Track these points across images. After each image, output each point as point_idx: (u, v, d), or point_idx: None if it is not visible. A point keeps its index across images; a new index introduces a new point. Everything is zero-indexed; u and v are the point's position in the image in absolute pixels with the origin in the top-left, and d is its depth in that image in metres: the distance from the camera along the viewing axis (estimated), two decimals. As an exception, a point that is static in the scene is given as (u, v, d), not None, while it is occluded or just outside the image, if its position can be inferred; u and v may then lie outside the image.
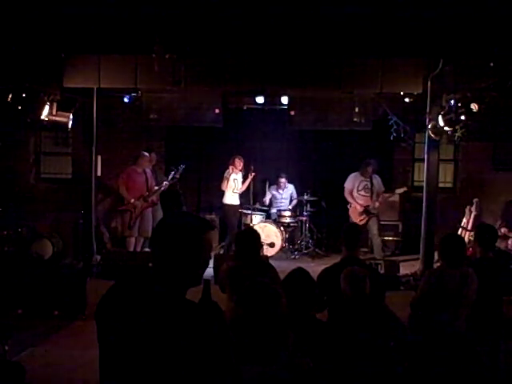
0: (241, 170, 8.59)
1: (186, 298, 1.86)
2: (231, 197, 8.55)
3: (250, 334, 2.26)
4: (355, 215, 8.29)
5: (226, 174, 8.56)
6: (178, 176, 8.17)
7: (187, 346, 1.73)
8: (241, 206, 8.78)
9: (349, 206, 8.40)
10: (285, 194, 9.42)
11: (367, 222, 8.24)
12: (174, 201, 8.50)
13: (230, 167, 8.54)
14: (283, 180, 9.28)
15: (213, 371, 1.74)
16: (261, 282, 2.49)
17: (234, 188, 8.53)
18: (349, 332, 3.39)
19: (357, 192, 8.35)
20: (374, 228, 8.24)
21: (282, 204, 9.36)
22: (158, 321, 1.77)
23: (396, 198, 8.91)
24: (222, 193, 8.90)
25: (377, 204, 8.24)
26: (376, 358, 3.34)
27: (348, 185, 8.41)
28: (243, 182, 8.65)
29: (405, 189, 8.31)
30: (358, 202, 8.30)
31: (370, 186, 8.31)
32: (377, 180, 8.39)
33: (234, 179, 8.54)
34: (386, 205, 8.84)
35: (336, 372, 2.98)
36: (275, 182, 9.37)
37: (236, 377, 1.82)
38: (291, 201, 9.44)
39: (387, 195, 8.44)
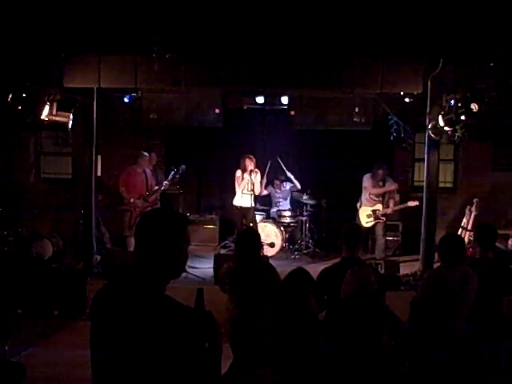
0: (251, 171, 8.16)
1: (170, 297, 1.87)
2: (240, 198, 8.30)
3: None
4: (362, 216, 8.25)
5: (237, 174, 8.30)
6: (178, 176, 8.15)
7: (172, 347, 1.75)
8: (252, 208, 8.31)
9: (358, 206, 8.35)
10: (283, 194, 9.43)
11: (374, 224, 8.18)
12: (167, 204, 8.53)
13: (240, 168, 8.26)
14: (278, 182, 9.33)
15: (193, 375, 1.76)
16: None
17: (243, 189, 8.25)
18: (348, 332, 3.39)
19: (368, 195, 8.27)
20: (379, 229, 8.20)
21: (281, 203, 9.37)
22: (142, 321, 1.79)
23: (396, 198, 8.88)
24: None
25: (389, 211, 8.16)
26: (376, 358, 3.34)
27: (367, 184, 8.21)
28: (261, 184, 8.42)
29: (417, 203, 8.00)
30: (366, 204, 8.24)
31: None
32: (390, 184, 8.29)
33: (250, 181, 8.16)
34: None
35: (335, 371, 2.98)
36: (273, 184, 9.37)
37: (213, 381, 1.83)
38: (291, 200, 9.42)
39: (399, 206, 8.31)
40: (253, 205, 8.28)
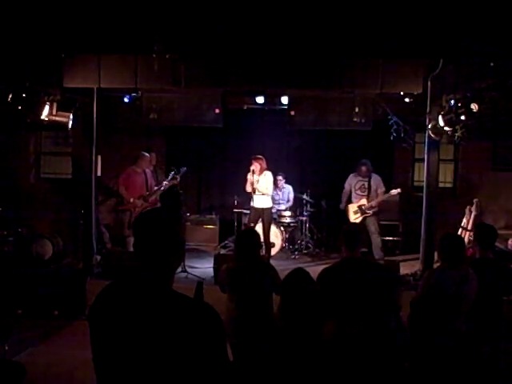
0: (254, 172, 7.99)
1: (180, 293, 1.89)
2: (253, 199, 8.11)
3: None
4: (350, 213, 8.36)
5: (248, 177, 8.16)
6: (178, 177, 8.14)
7: (180, 343, 1.75)
8: (266, 209, 8.16)
9: (342, 206, 8.49)
10: (282, 195, 9.41)
11: (364, 220, 8.21)
12: (174, 201, 8.46)
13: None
14: (280, 178, 9.25)
15: (206, 370, 1.77)
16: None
17: (251, 190, 8.04)
18: (348, 331, 3.39)
19: (354, 191, 8.41)
20: (372, 227, 8.20)
21: (281, 204, 9.35)
22: (151, 320, 1.79)
23: (396, 197, 8.88)
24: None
25: (374, 203, 8.20)
26: (376, 358, 3.34)
27: (346, 185, 8.54)
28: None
29: (399, 190, 8.20)
30: (351, 202, 8.38)
31: (366, 185, 8.32)
32: (375, 179, 8.36)
33: (252, 181, 8.00)
34: (386, 205, 8.81)
35: (335, 372, 2.97)
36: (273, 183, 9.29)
37: (229, 374, 1.84)
38: (289, 201, 9.42)
39: (383, 197, 8.34)
40: (267, 206, 8.14)
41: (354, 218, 8.28)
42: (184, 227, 2.06)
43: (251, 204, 8.18)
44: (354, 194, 8.42)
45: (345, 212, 8.49)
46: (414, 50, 6.38)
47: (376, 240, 8.20)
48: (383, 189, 8.37)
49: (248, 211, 8.63)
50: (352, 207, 8.39)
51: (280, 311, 2.40)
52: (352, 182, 8.46)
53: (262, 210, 8.09)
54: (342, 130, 8.23)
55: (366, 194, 8.32)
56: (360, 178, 8.38)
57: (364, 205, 8.26)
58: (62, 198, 9.51)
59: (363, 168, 8.28)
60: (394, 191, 8.22)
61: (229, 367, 1.85)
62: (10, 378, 3.87)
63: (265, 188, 8.09)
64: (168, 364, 1.75)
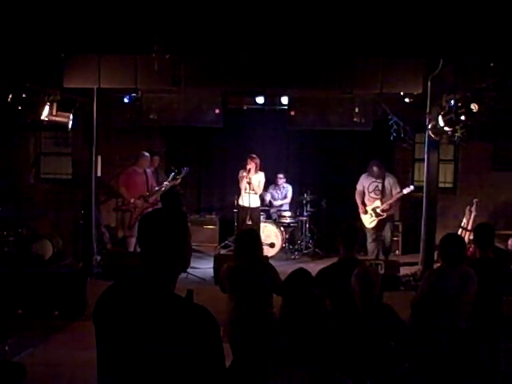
0: (249, 170, 8.16)
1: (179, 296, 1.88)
2: (242, 198, 8.28)
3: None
4: (365, 218, 8.07)
5: (240, 174, 8.31)
6: (179, 178, 8.15)
7: (176, 346, 1.75)
8: (255, 208, 8.36)
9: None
10: (281, 194, 9.44)
11: (383, 226, 8.04)
12: (174, 201, 8.47)
13: (244, 168, 8.26)
14: (281, 176, 9.32)
15: (202, 372, 1.77)
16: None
17: (245, 189, 8.24)
18: (348, 332, 3.39)
19: (367, 194, 8.08)
20: (388, 233, 8.11)
21: (277, 200, 9.39)
22: (154, 321, 1.79)
23: (397, 189, 8.61)
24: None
25: (384, 206, 7.91)
26: (376, 358, 3.34)
27: (358, 186, 8.17)
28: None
29: (412, 188, 7.89)
30: (365, 204, 8.08)
31: (380, 187, 7.98)
32: (389, 181, 8.05)
33: (247, 180, 8.19)
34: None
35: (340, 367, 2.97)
36: (273, 182, 9.38)
37: (224, 377, 1.85)
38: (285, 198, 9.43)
39: (397, 197, 8.04)
40: (255, 205, 8.30)
41: (369, 221, 8.01)
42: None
43: (239, 203, 8.28)
44: (367, 197, 8.07)
45: (358, 215, 8.16)
46: (414, 49, 6.38)
47: (388, 244, 8.16)
48: (398, 189, 7.99)
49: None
50: (362, 211, 8.10)
51: (283, 312, 2.39)
52: (365, 184, 8.09)
53: (250, 208, 8.21)
54: (342, 130, 8.22)
55: (379, 196, 7.97)
56: (373, 180, 8.02)
57: (378, 207, 7.95)
58: (62, 198, 9.51)
59: (374, 168, 7.93)
60: (407, 189, 7.88)
61: (224, 370, 1.84)
62: (10, 379, 3.87)
63: (257, 187, 8.26)
64: (164, 366, 1.75)
